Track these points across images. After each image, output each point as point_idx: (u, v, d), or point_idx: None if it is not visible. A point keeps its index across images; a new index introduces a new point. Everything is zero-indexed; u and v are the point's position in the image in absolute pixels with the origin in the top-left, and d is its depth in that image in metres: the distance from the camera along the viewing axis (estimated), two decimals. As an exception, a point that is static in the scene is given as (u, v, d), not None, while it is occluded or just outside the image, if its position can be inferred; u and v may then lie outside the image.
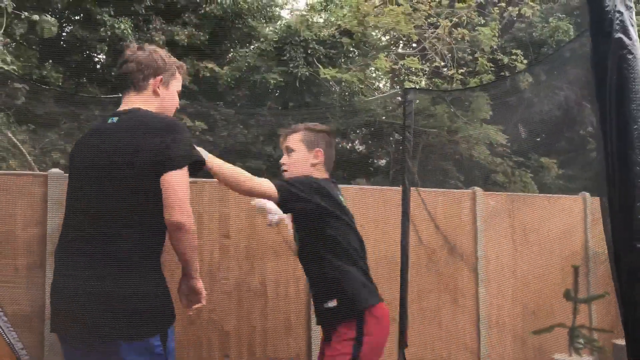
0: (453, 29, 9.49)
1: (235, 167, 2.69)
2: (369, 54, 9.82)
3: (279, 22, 10.03)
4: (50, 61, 7.76)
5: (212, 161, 2.57)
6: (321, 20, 10.09)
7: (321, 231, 2.77)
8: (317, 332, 5.06)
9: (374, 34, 10.09)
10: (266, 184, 2.71)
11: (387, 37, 10.98)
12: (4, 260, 3.85)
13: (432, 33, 9.65)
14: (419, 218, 5.31)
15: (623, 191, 1.32)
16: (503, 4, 10.27)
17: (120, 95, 2.57)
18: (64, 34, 8.61)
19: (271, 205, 3.02)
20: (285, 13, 11.33)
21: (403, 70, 10.03)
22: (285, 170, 3.03)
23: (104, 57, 8.49)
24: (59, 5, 8.07)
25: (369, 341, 2.71)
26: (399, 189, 4.53)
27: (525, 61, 9.60)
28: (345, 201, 2.97)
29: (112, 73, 7.41)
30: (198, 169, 2.42)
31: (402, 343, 4.26)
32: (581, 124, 10.39)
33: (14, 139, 5.60)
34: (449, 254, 5.61)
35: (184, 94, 2.85)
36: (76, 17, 8.79)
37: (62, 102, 5.32)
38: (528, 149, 9.57)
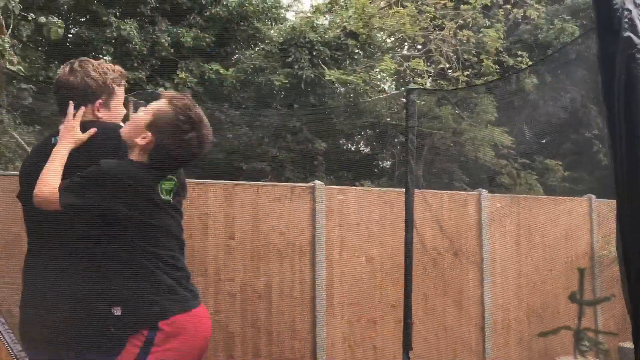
0: (458, 31, 9.48)
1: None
2: (374, 55, 9.81)
3: (284, 24, 10.04)
4: (57, 62, 7.78)
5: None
6: (326, 22, 10.09)
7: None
8: (322, 333, 5.06)
9: (379, 35, 10.09)
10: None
11: (392, 39, 10.98)
12: (12, 262, 3.86)
13: (437, 35, 9.64)
14: (424, 220, 5.30)
15: (633, 192, 1.29)
16: (508, 6, 10.25)
17: (126, 96, 2.55)
18: (70, 35, 8.65)
19: None
20: (290, 15, 11.35)
21: (408, 72, 10.02)
22: None
23: (110, 58, 8.51)
24: (65, 7, 8.10)
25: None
26: (403, 190, 4.52)
27: (530, 63, 9.58)
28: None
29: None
30: None
31: (407, 345, 4.25)
32: (587, 126, 10.36)
33: (21, 140, 5.62)
34: (454, 256, 5.60)
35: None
36: (82, 19, 8.83)
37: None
38: (533, 151, 9.55)
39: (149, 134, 2.22)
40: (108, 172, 2.19)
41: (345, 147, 10.29)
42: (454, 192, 7.00)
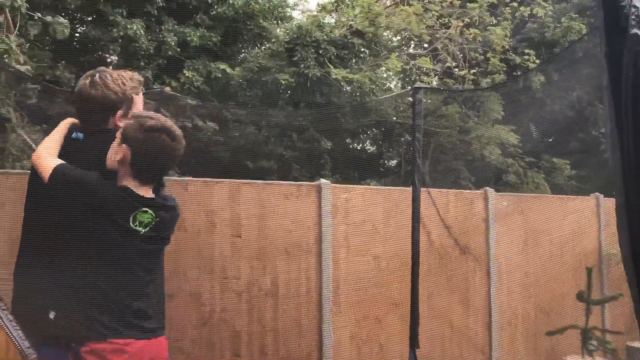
0: (465, 29, 9.46)
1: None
2: (380, 54, 9.80)
3: (290, 23, 10.05)
4: (63, 62, 7.81)
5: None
6: (332, 21, 10.08)
7: None
8: (328, 332, 5.06)
9: (385, 34, 10.08)
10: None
11: (399, 38, 10.96)
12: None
13: (443, 33, 9.62)
14: (430, 219, 5.30)
15: (640, 189, 1.28)
16: (515, 4, 10.21)
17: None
18: (76, 34, 8.67)
19: None
20: (296, 14, 11.34)
21: (414, 70, 10.01)
22: None
23: (117, 57, 8.53)
24: (72, 6, 8.13)
25: None
26: (409, 189, 4.52)
27: (537, 61, 9.55)
28: None
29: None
30: None
31: (414, 343, 4.25)
32: (594, 124, 10.31)
33: (28, 139, 5.64)
34: (460, 254, 5.59)
35: (196, 94, 2.85)
36: (89, 18, 8.86)
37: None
38: (540, 149, 9.51)
39: (124, 146, 2.35)
40: (97, 186, 2.33)
41: (351, 146, 10.28)
42: (460, 190, 6.98)
